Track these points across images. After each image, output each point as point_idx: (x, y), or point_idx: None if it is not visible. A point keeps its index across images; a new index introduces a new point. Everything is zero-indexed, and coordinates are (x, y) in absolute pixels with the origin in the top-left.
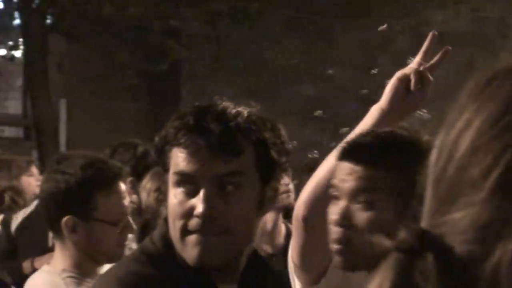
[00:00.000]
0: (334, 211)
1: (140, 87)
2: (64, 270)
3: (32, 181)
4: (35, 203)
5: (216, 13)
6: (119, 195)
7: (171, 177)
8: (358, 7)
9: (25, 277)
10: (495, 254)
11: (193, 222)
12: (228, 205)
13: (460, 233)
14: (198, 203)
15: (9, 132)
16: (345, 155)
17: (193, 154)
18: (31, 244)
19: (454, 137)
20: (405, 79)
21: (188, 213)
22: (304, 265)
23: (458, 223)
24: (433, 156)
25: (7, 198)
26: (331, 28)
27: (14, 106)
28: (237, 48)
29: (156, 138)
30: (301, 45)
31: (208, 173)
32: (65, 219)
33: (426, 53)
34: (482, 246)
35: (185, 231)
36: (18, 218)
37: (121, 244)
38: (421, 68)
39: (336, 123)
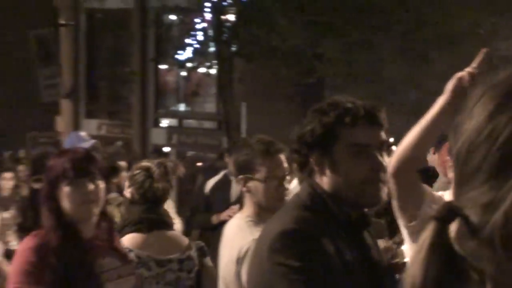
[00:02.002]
0: None
1: (295, 94)
2: (248, 216)
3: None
4: (222, 173)
5: (348, 43)
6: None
7: (349, 149)
8: (452, 37)
9: (212, 226)
10: (492, 221)
11: (376, 175)
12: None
13: (471, 208)
14: (379, 162)
15: (207, 124)
16: None
17: (370, 130)
18: (219, 202)
19: (461, 140)
20: (462, 78)
21: (368, 169)
22: (400, 208)
23: (468, 201)
24: (454, 147)
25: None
26: (429, 51)
27: (210, 107)
28: (363, 67)
29: (322, 124)
30: (407, 65)
31: (378, 142)
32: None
33: (478, 63)
34: (485, 217)
35: (365, 183)
36: (210, 182)
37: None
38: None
39: None
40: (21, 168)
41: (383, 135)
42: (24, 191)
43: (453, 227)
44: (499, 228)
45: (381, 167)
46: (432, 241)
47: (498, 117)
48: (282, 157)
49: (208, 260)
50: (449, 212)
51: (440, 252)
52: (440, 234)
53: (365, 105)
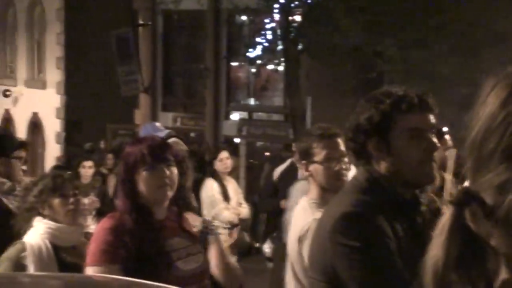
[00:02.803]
0: None
1: (356, 89)
2: (311, 199)
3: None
4: (289, 161)
5: (405, 41)
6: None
7: (406, 133)
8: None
9: (279, 210)
10: (506, 201)
11: (429, 155)
12: None
13: (486, 190)
14: (433, 143)
15: (275, 117)
16: None
17: (423, 115)
18: (286, 188)
19: (476, 127)
20: None
21: (423, 151)
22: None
23: (484, 184)
24: (470, 135)
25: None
26: (480, 49)
27: (278, 100)
28: (418, 64)
29: (379, 112)
30: (459, 61)
31: (430, 125)
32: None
33: None
34: (500, 197)
35: (422, 162)
36: (278, 170)
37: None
38: None
39: None
40: (107, 157)
41: (433, 119)
42: (111, 179)
43: (469, 210)
44: None
45: (434, 148)
46: (451, 224)
47: (511, 104)
48: (339, 140)
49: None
50: (466, 197)
51: (459, 234)
52: (458, 217)
53: (417, 92)
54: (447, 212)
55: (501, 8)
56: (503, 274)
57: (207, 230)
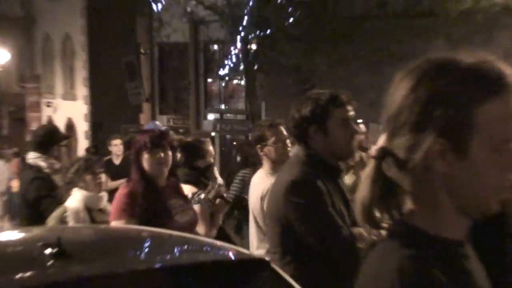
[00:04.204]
0: None
1: (297, 96)
2: (266, 170)
3: None
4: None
5: (331, 62)
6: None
7: (338, 122)
8: None
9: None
10: (413, 158)
11: (353, 138)
12: None
13: (398, 150)
14: (356, 130)
15: (240, 117)
16: None
17: (349, 110)
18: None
19: (393, 104)
20: None
21: (349, 135)
22: None
23: (397, 146)
24: (387, 111)
25: None
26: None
27: (241, 105)
28: (340, 78)
29: (318, 105)
30: (367, 75)
31: (353, 117)
32: None
33: None
34: (409, 155)
35: (348, 143)
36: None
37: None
38: None
39: None
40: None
41: (353, 112)
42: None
43: (387, 163)
44: (420, 164)
45: (356, 133)
46: (373, 172)
47: (418, 89)
48: (282, 127)
49: None
50: (384, 153)
51: (379, 179)
52: (379, 167)
53: (341, 93)
54: (370, 165)
55: (398, 35)
56: (408, 205)
57: (197, 198)
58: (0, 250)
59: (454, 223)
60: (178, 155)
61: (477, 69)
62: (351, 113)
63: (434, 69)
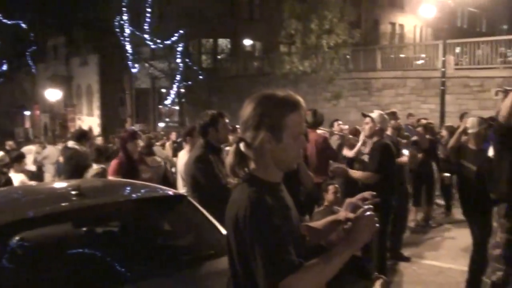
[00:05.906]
0: None
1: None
2: (190, 151)
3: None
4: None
5: None
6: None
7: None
8: None
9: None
10: (254, 142)
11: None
12: None
13: (247, 138)
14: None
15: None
16: None
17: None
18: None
19: (245, 116)
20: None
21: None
22: None
23: (246, 136)
24: (242, 120)
25: None
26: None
27: (176, 118)
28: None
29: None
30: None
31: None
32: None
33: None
34: (253, 141)
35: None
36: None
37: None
38: None
39: None
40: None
41: (228, 120)
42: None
43: (241, 144)
44: (257, 145)
45: (230, 131)
46: (234, 149)
47: (256, 108)
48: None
49: None
50: (239, 139)
51: (238, 154)
52: (238, 147)
53: (223, 113)
54: (233, 145)
55: (253, 86)
56: (252, 165)
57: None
58: (46, 191)
59: (275, 174)
60: (141, 143)
61: (285, 97)
62: (227, 120)
63: (264, 98)
